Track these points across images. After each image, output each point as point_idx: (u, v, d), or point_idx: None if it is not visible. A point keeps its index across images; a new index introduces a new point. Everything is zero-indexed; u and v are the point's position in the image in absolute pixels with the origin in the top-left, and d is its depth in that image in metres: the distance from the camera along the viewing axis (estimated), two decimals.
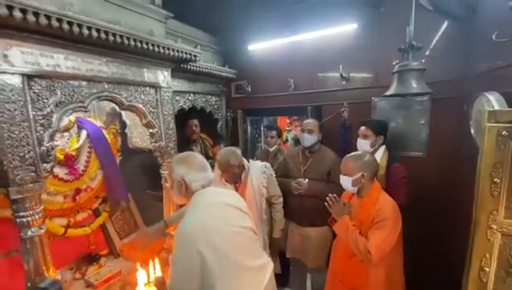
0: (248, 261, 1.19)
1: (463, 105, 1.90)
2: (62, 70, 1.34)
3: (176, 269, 1.11)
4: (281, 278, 2.65)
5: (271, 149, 2.67)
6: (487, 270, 1.17)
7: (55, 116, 1.32)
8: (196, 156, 1.34)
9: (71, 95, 1.38)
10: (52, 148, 1.32)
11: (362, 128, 2.01)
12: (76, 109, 1.42)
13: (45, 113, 1.28)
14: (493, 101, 1.32)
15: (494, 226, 1.14)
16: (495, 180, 1.12)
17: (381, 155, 1.93)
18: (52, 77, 1.31)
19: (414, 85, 1.78)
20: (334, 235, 1.78)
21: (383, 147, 1.98)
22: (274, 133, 2.66)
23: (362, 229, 1.46)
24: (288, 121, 5.91)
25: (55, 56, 1.31)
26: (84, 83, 1.43)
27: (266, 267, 1.30)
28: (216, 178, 2.16)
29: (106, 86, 1.53)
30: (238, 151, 2.02)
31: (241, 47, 2.83)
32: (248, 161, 2.14)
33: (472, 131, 1.63)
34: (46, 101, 1.29)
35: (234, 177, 2.03)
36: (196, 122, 2.68)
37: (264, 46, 2.70)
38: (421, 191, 1.96)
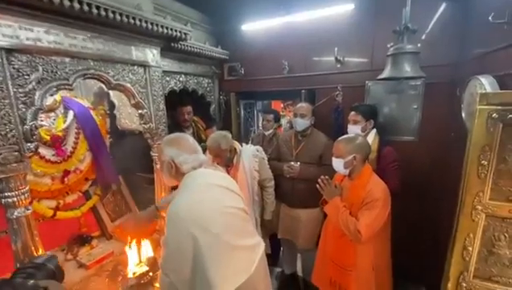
0: (239, 241, 1.20)
1: (456, 89, 1.90)
2: (43, 44, 1.27)
3: (168, 251, 1.12)
4: (273, 258, 2.73)
5: (267, 133, 2.65)
6: (470, 249, 1.21)
7: (37, 93, 1.26)
8: (187, 138, 1.32)
9: (54, 72, 1.32)
10: (36, 127, 1.27)
11: (352, 113, 2.00)
12: (60, 87, 1.36)
13: (27, 90, 1.23)
14: (486, 84, 1.32)
15: (479, 207, 1.16)
16: (483, 162, 1.13)
17: (372, 138, 1.93)
18: (33, 52, 1.24)
19: (407, 69, 1.77)
20: (325, 217, 1.81)
21: (374, 130, 1.98)
22: (270, 116, 2.63)
23: (353, 210, 1.48)
24: (282, 105, 5.88)
25: (35, 30, 1.24)
26: (67, 59, 1.36)
27: (258, 247, 1.32)
28: (207, 162, 2.15)
29: (92, 63, 1.46)
30: (229, 135, 2.00)
31: (234, 27, 2.74)
32: (241, 145, 2.13)
33: (464, 115, 1.64)
34: (27, 77, 1.23)
35: (226, 161, 2.02)
36: (189, 109, 2.52)
37: (258, 26, 2.61)
38: (411, 175, 1.99)
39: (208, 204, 1.16)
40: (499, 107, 1.07)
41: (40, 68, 1.27)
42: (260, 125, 2.78)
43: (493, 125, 1.09)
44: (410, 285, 2.34)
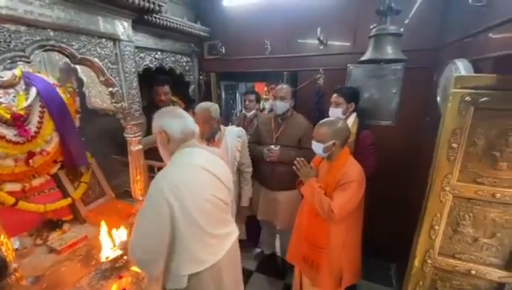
0: (213, 229, 1.20)
1: (433, 74, 1.92)
2: None
3: (144, 220, 1.10)
4: (253, 239, 2.77)
5: (249, 114, 2.62)
6: (437, 228, 1.27)
7: None
8: (174, 108, 1.44)
9: (7, 41, 1.18)
10: None
11: (334, 96, 2.00)
12: (15, 59, 1.23)
13: None
14: (461, 68, 1.33)
15: (447, 188, 1.21)
16: (453, 145, 1.16)
17: (352, 121, 1.94)
18: None
19: (389, 51, 1.75)
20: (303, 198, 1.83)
21: (354, 114, 1.99)
22: (252, 97, 2.62)
23: (328, 190, 1.50)
24: (266, 89, 5.79)
25: None
26: (22, 28, 1.22)
27: (231, 235, 1.33)
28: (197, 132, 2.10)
29: (52, 34, 1.32)
30: (217, 106, 1.98)
31: (214, 2, 2.59)
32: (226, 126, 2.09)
33: (439, 99, 1.67)
34: None
35: (212, 131, 1.97)
36: (166, 89, 2.34)
37: (240, 1, 2.48)
38: (387, 158, 2.03)
39: (189, 184, 1.13)
40: (472, 91, 1.09)
41: None
42: (242, 107, 2.73)
43: (465, 108, 1.11)
44: (382, 262, 2.47)
